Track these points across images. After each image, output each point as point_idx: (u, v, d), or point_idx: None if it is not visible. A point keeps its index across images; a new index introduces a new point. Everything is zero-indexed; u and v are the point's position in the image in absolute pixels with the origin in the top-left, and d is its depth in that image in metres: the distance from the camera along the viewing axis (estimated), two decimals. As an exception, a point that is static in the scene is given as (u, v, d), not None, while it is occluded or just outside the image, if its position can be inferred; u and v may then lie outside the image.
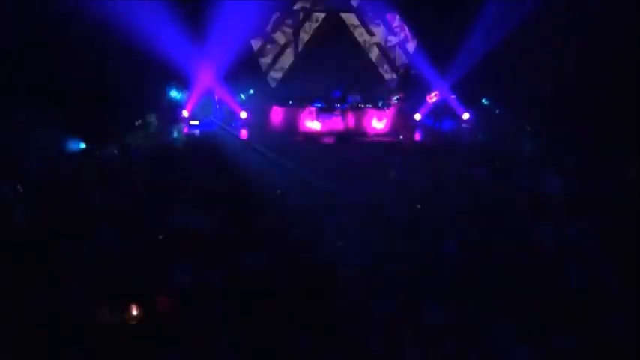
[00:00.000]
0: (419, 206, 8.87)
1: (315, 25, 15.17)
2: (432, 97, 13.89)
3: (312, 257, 6.69)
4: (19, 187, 8.76)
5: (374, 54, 15.45)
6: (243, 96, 14.34)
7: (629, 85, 11.04)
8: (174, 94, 14.03)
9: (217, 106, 14.05)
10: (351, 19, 15.20)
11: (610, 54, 11.47)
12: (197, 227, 7.56)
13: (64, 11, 10.70)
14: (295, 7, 15.00)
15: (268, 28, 14.83)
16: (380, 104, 14.48)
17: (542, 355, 5.13)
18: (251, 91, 14.56)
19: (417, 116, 13.96)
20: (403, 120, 14.13)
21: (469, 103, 14.04)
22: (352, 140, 13.33)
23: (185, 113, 13.57)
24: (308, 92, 14.30)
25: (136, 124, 12.84)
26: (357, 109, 14.11)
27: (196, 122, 13.65)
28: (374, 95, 14.71)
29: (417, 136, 13.69)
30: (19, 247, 6.74)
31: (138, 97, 12.67)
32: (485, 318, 5.60)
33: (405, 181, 10.04)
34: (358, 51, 15.22)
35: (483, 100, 14.12)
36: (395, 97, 14.56)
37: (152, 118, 13.04)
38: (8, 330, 5.25)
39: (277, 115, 13.92)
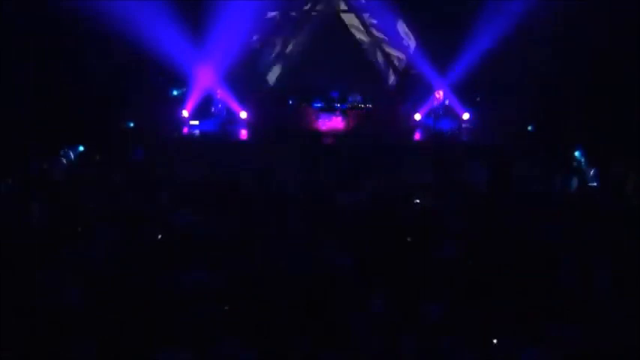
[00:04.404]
0: (418, 201, 8.89)
1: (315, 25, 15.18)
2: (438, 95, 13.84)
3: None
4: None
5: (374, 54, 15.46)
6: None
7: (630, 85, 11.05)
8: (175, 92, 14.07)
9: (218, 106, 14.05)
10: (350, 19, 15.21)
11: (611, 55, 11.50)
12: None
13: (61, 12, 10.72)
14: (295, 7, 15.01)
15: (268, 28, 14.83)
16: (379, 104, 14.50)
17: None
18: (254, 91, 14.62)
19: (417, 116, 13.95)
20: (403, 120, 14.12)
21: (469, 103, 14.05)
22: (352, 140, 13.32)
23: (185, 113, 13.56)
24: (308, 92, 14.31)
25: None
26: (356, 109, 14.11)
27: (196, 122, 13.65)
28: (374, 95, 14.73)
29: (417, 136, 13.69)
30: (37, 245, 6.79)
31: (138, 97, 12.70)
32: (481, 316, 5.61)
33: (404, 179, 10.05)
34: (358, 51, 15.22)
35: (478, 99, 14.15)
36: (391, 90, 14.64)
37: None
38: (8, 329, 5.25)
39: (277, 115, 13.91)
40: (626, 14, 11.03)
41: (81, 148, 11.23)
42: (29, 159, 10.06)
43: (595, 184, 10.06)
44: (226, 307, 5.80)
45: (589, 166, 10.31)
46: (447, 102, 13.85)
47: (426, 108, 13.96)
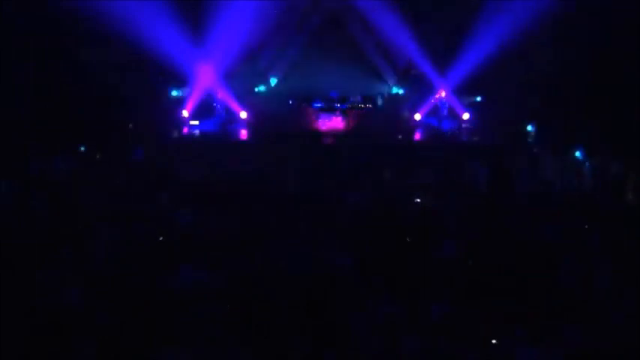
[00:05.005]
0: (418, 200, 8.90)
1: (315, 26, 15.18)
2: (440, 94, 13.84)
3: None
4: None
5: (374, 54, 15.46)
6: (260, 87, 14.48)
7: (630, 85, 11.04)
8: (174, 93, 14.08)
9: (218, 106, 14.06)
10: (351, 19, 15.21)
11: (611, 55, 11.49)
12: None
13: (61, 12, 10.72)
14: (295, 7, 15.01)
15: (269, 28, 14.83)
16: (380, 104, 14.52)
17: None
18: (257, 90, 14.67)
19: (417, 116, 13.96)
20: (403, 120, 14.13)
21: (469, 103, 14.07)
22: (352, 140, 13.33)
23: (185, 113, 13.57)
24: (308, 92, 14.32)
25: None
26: (356, 109, 14.11)
27: (196, 122, 13.67)
28: (374, 95, 14.74)
29: (417, 136, 13.70)
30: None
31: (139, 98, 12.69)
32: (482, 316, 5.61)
33: (404, 179, 10.05)
34: (358, 51, 15.22)
35: (478, 98, 14.16)
36: (397, 91, 14.66)
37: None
38: (8, 329, 5.25)
39: (277, 115, 13.91)
40: (626, 14, 11.03)
41: (82, 149, 11.25)
42: (29, 159, 10.05)
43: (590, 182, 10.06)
44: (227, 307, 5.80)
45: (589, 165, 10.33)
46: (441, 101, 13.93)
47: (426, 108, 13.98)
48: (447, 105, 13.91)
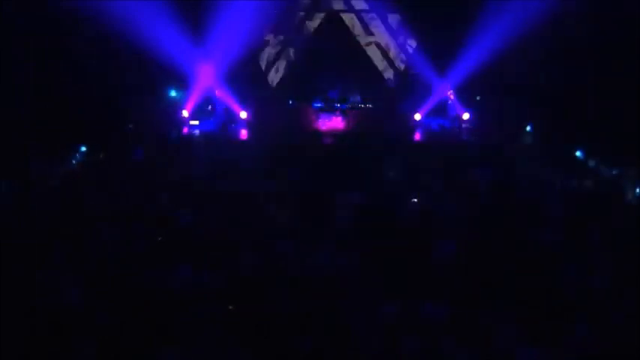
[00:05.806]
0: (415, 200, 8.89)
1: (315, 25, 15.17)
2: (449, 95, 13.88)
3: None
4: None
5: (374, 54, 15.44)
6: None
7: (628, 86, 11.04)
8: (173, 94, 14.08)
9: (217, 106, 14.06)
10: (350, 19, 15.20)
11: (611, 55, 11.49)
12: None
13: (61, 12, 10.73)
14: (295, 7, 15.00)
15: (268, 28, 14.82)
16: (380, 104, 14.51)
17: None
18: (254, 91, 14.67)
19: (417, 116, 13.95)
20: (403, 120, 14.12)
21: (469, 103, 14.06)
22: (352, 140, 13.31)
23: (185, 113, 13.57)
24: (308, 92, 14.32)
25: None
26: (356, 109, 14.11)
27: (196, 122, 13.67)
28: (373, 95, 14.73)
29: (417, 136, 13.69)
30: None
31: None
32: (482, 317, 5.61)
33: (403, 179, 10.05)
34: (358, 51, 15.21)
35: (477, 98, 14.17)
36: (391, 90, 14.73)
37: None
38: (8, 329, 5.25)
39: (277, 115, 13.91)
40: (626, 14, 11.03)
41: (83, 149, 11.25)
42: (29, 159, 10.05)
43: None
44: (230, 307, 5.80)
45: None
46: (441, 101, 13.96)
47: (426, 108, 13.98)
48: (454, 107, 13.94)
